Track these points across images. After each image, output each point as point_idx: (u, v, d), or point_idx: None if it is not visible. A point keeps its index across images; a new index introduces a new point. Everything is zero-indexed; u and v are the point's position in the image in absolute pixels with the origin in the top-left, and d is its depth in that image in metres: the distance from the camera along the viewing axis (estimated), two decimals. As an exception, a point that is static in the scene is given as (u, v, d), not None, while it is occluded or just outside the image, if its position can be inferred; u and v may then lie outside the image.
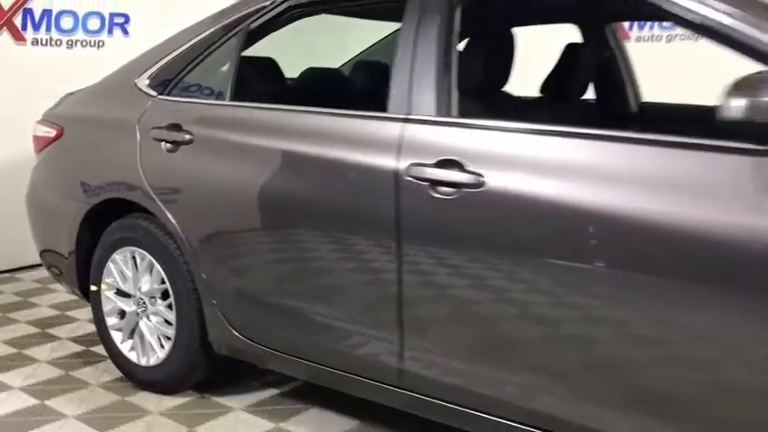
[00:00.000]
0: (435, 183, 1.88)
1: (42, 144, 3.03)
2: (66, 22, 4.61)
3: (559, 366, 1.79)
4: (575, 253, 1.71)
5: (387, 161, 1.98)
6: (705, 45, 1.72)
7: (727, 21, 1.60)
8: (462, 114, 1.99)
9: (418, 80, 2.01)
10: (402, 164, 1.95)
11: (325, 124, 2.20)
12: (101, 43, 4.72)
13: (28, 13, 4.46)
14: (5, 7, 4.35)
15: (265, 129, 2.34)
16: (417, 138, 1.96)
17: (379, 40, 3.54)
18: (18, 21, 4.42)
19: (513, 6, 2.68)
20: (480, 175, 1.82)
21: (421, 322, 2.00)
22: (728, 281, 1.52)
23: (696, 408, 1.61)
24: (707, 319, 1.56)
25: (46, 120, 3.05)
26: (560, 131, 1.77)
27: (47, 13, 4.54)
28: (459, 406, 1.99)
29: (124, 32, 4.81)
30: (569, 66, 2.77)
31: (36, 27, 4.51)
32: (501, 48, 2.32)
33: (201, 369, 2.65)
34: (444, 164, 1.88)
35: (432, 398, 2.04)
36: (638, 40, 5.57)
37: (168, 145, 2.52)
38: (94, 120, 2.85)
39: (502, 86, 2.41)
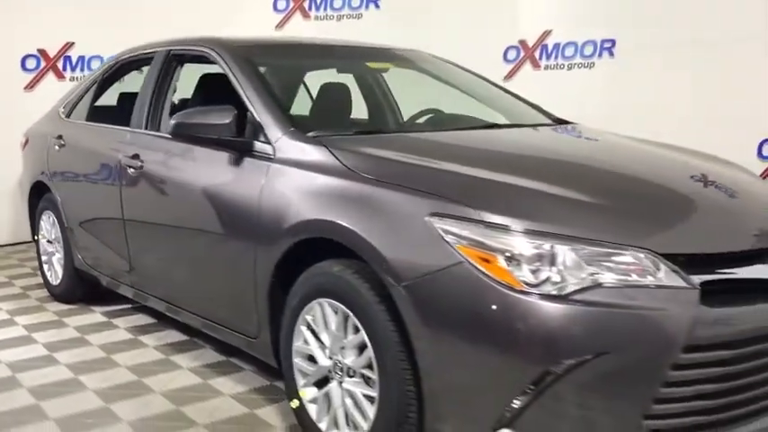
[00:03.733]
0: (129, 166, 3.38)
1: (22, 147, 4.83)
2: (95, 64, 6.48)
3: (175, 274, 3.23)
4: (173, 204, 3.14)
5: (119, 154, 3.49)
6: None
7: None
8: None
9: (139, 108, 3.52)
10: (122, 154, 3.46)
11: (105, 133, 3.77)
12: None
13: (67, 59, 6.39)
14: (51, 55, 6.31)
15: (86, 136, 3.95)
16: (130, 141, 3.46)
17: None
18: (60, 64, 6.36)
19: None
20: (143, 161, 3.30)
21: (135, 245, 3.49)
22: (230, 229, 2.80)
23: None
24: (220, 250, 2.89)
25: (25, 133, 4.85)
26: (159, 135, 3.19)
27: (81, 58, 6.44)
28: (156, 297, 3.45)
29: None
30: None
31: (73, 68, 6.42)
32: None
33: (78, 287, 4.26)
34: (133, 156, 3.37)
35: (142, 291, 3.52)
36: (546, 68, 6.66)
37: (57, 147, 4.19)
38: (37, 132, 4.59)
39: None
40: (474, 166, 2.29)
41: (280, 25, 7.13)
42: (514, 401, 1.89)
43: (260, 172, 2.64)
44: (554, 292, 1.87)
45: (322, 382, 2.42)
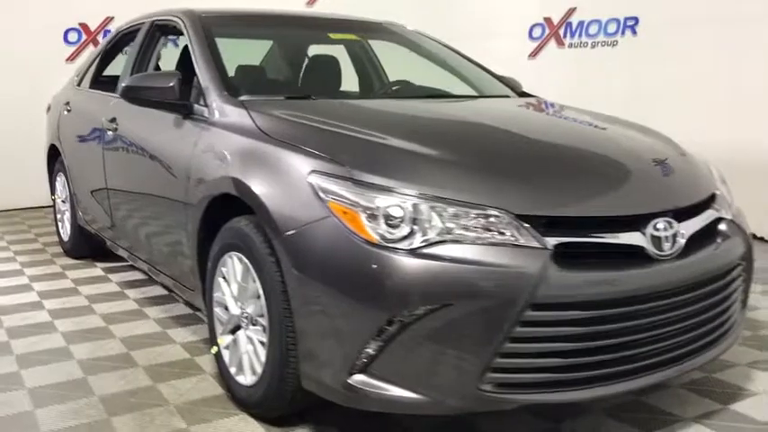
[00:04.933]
0: (108, 128, 3.63)
1: (46, 113, 5.19)
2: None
3: (140, 232, 3.46)
4: (135, 165, 3.36)
5: (102, 117, 3.75)
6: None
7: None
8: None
9: (123, 75, 3.75)
10: (104, 118, 3.72)
11: (97, 99, 4.03)
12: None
13: (107, 32, 6.73)
14: (92, 29, 6.69)
15: (84, 102, 4.23)
16: (112, 106, 3.71)
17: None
18: (100, 37, 6.73)
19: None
20: (118, 125, 3.54)
21: (114, 204, 3.74)
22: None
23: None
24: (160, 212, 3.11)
25: (50, 100, 5.20)
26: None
27: (120, 32, 6.79)
28: (132, 252, 3.71)
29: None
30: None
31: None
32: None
33: (84, 243, 4.58)
34: (111, 120, 3.62)
35: (117, 244, 3.78)
36: (570, 45, 6.61)
37: (65, 112, 4.51)
38: (56, 99, 4.92)
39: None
40: (370, 129, 2.39)
41: (311, 2, 7.29)
42: (367, 348, 2.00)
43: (195, 133, 2.82)
44: (407, 247, 1.97)
45: (236, 331, 2.59)
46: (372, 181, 2.07)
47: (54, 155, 4.81)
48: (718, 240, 2.39)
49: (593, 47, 6.47)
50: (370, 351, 2.00)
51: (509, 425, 2.43)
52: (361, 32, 3.92)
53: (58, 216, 4.90)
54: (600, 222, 2.10)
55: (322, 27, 3.84)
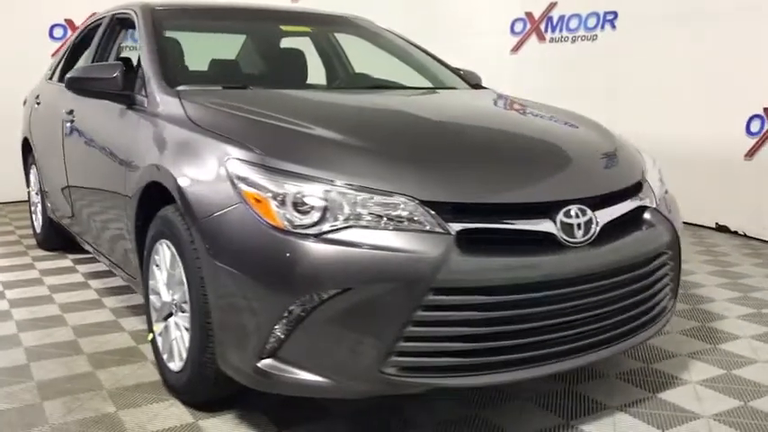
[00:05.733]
0: (66, 120, 3.68)
1: (23, 107, 5.25)
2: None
3: (89, 224, 3.50)
4: (85, 156, 3.40)
5: (62, 108, 3.80)
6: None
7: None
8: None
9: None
10: (62, 109, 3.76)
11: (60, 92, 4.07)
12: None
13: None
14: (77, 24, 6.74)
15: (51, 95, 4.28)
16: (68, 97, 3.73)
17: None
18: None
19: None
20: (74, 116, 3.58)
21: (73, 194, 3.79)
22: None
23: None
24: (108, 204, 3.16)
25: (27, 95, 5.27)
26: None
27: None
28: (88, 243, 3.75)
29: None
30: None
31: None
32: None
33: (55, 235, 4.63)
34: (69, 111, 3.67)
35: (78, 234, 3.83)
36: (551, 40, 6.61)
37: (36, 107, 4.56)
38: (30, 93, 4.98)
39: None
40: (294, 118, 2.41)
41: (295, -2, 7.32)
42: (275, 333, 2.03)
43: (135, 122, 2.86)
44: (314, 233, 1.99)
45: (168, 318, 2.62)
46: (284, 168, 2.10)
47: (28, 148, 4.87)
48: (643, 229, 2.40)
49: (573, 41, 6.46)
50: (278, 335, 2.03)
51: (434, 411, 2.44)
52: (324, 26, 3.95)
53: (32, 209, 4.96)
54: (508, 209, 2.12)
55: (279, 20, 3.86)
